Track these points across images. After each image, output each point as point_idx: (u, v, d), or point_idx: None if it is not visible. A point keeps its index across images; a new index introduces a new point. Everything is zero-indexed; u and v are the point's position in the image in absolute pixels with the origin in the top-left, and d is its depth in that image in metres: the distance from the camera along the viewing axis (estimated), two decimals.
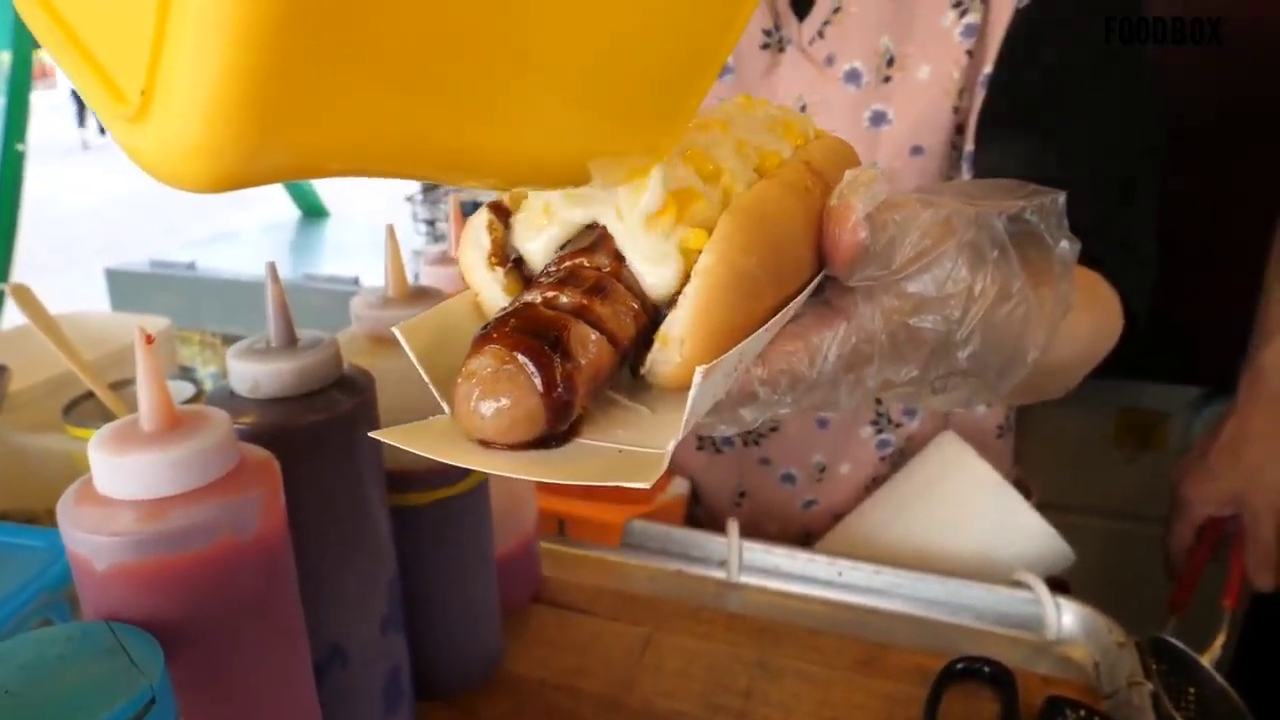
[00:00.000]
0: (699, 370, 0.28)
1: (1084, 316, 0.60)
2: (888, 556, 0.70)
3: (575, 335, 0.29)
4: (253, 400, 0.42)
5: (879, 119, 0.70)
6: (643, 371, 0.32)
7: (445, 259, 0.60)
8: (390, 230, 0.51)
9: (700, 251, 0.31)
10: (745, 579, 0.68)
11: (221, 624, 0.35)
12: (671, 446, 0.29)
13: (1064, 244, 0.40)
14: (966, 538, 0.73)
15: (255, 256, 2.13)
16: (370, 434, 0.30)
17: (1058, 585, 0.68)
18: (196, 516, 0.33)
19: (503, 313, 0.30)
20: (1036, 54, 0.66)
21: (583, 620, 0.63)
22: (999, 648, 0.61)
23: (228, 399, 0.42)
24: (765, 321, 0.32)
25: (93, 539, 0.33)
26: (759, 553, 0.68)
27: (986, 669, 0.56)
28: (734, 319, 0.31)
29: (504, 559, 0.61)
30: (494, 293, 0.34)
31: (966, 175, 0.71)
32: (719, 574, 0.68)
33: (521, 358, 0.28)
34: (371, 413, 0.45)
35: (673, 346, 0.30)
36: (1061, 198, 0.40)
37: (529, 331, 0.29)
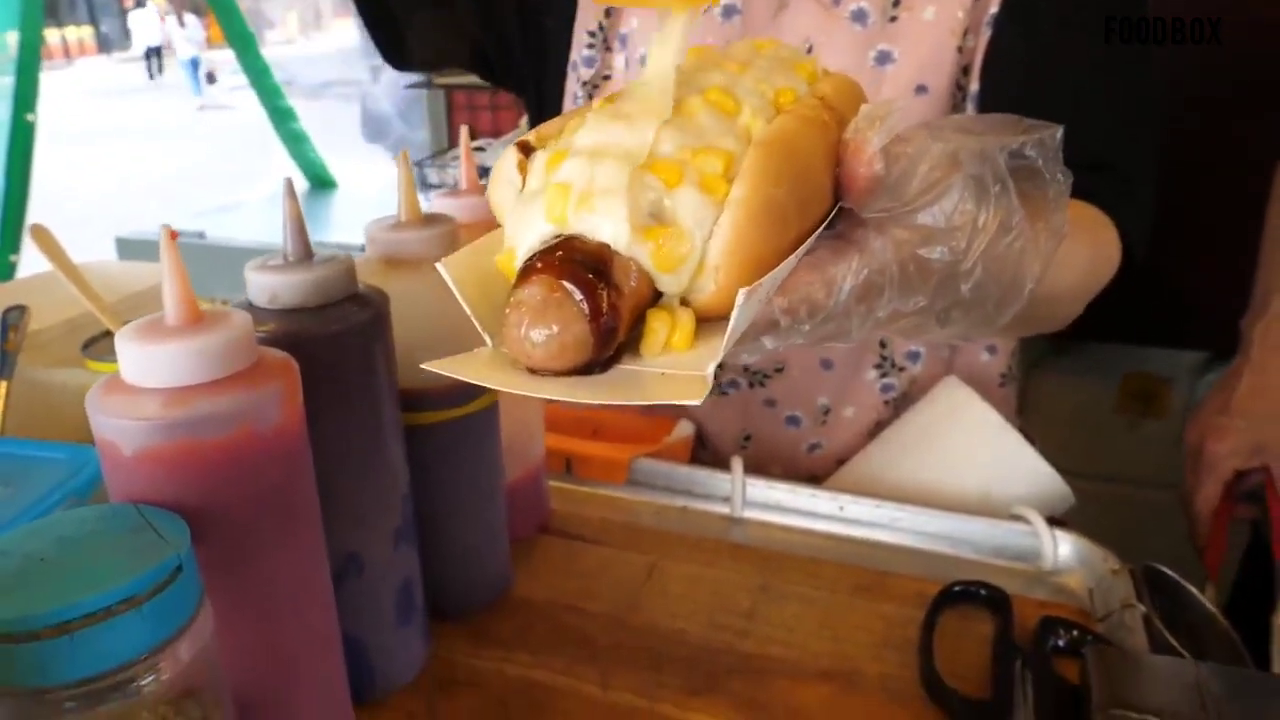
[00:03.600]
0: (742, 291, 0.30)
1: (1081, 248, 0.62)
2: (891, 497, 0.72)
3: (619, 265, 0.31)
4: (270, 310, 0.43)
5: (884, 59, 0.71)
6: (667, 306, 0.33)
7: (456, 192, 0.61)
8: (404, 157, 0.52)
9: (728, 188, 0.32)
10: (749, 514, 0.69)
11: (243, 511, 0.37)
12: (712, 368, 0.31)
13: (1059, 178, 0.42)
14: (968, 479, 0.75)
15: (263, 226, 2.14)
16: (422, 365, 0.32)
17: (1058, 524, 0.69)
18: (219, 405, 0.35)
19: (547, 244, 0.31)
20: None
21: (590, 549, 0.64)
22: (997, 577, 0.62)
23: (246, 308, 0.44)
24: (791, 251, 0.34)
25: (121, 424, 0.34)
26: (762, 488, 0.70)
27: (983, 592, 0.58)
28: (766, 246, 0.33)
29: (513, 487, 0.62)
30: None
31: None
32: (723, 509, 0.70)
33: (569, 285, 0.30)
34: (385, 329, 0.47)
35: (708, 274, 0.32)
36: (1059, 133, 0.42)
37: (575, 261, 0.30)
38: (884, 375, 0.81)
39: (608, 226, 0.31)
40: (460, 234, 0.53)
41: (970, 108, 0.71)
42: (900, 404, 0.83)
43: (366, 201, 2.44)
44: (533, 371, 0.31)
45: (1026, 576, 0.63)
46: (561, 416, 0.86)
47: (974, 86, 0.71)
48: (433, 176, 1.86)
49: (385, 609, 0.49)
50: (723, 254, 0.32)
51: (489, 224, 0.59)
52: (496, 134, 2.21)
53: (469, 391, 0.53)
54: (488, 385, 0.31)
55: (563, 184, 0.32)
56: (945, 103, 0.71)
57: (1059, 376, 1.49)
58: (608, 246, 0.31)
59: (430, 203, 0.62)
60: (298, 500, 0.39)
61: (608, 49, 0.90)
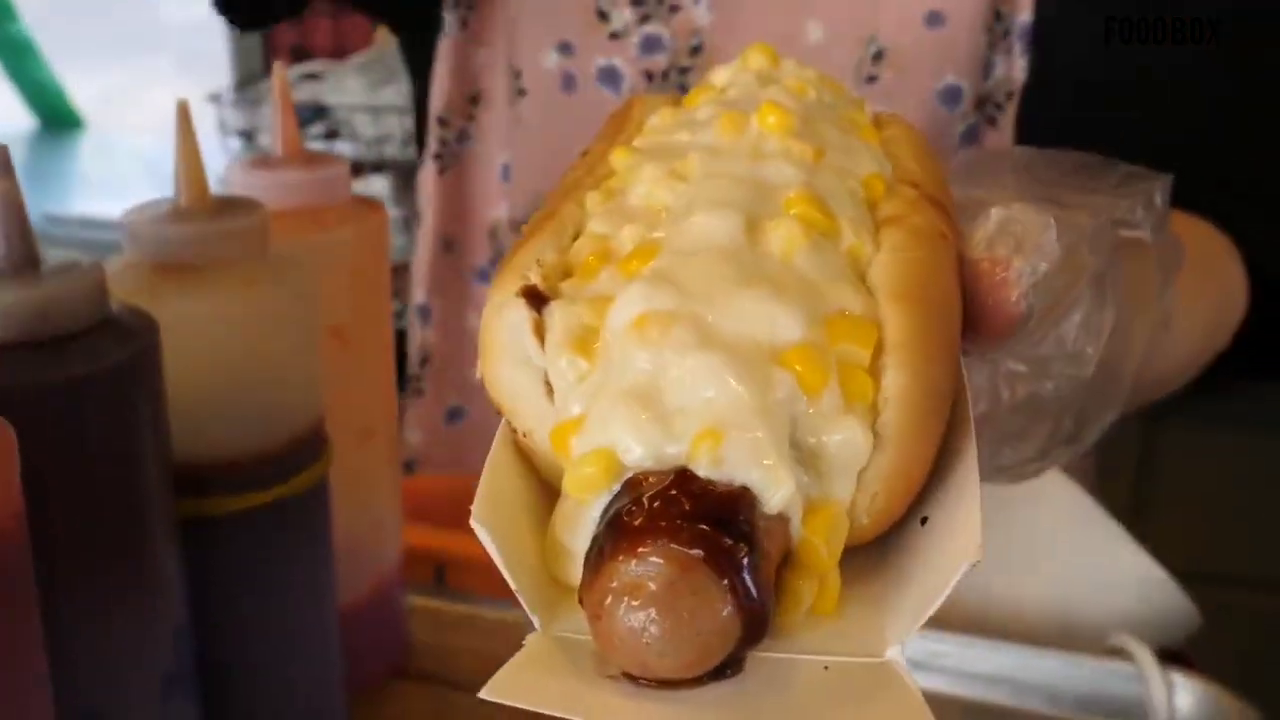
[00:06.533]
0: (966, 563, 0.31)
1: (1195, 305, 0.66)
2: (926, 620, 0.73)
3: (760, 519, 0.31)
4: None
5: None
6: None
7: (267, 160, 0.62)
8: (183, 110, 0.53)
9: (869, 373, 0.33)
10: None
11: None
12: (897, 654, 0.32)
13: (1168, 249, 0.46)
14: (1043, 589, 0.77)
15: None
16: (481, 694, 0.31)
17: (1174, 658, 0.72)
18: None
19: (649, 486, 0.31)
20: None
21: (469, 702, 0.64)
22: None
23: None
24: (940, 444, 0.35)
25: None
26: None
27: None
28: (930, 450, 0.34)
29: (352, 609, 0.63)
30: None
31: (1019, 57, 0.77)
32: None
33: (706, 558, 0.30)
34: (152, 371, 0.47)
35: (860, 504, 0.34)
36: (1168, 185, 0.46)
37: (704, 516, 0.30)
38: None
39: (757, 476, 0.31)
40: (270, 227, 0.54)
41: (1018, 46, 0.76)
42: None
43: (132, 151, 2.42)
44: (633, 678, 0.31)
45: None
46: (430, 494, 0.87)
47: (1022, 16, 0.75)
48: (238, 120, 1.85)
49: None
50: (884, 478, 0.33)
51: (314, 210, 0.60)
52: (340, 53, 2.21)
53: (281, 463, 0.54)
54: (580, 718, 0.30)
55: (601, 451, 0.32)
56: (972, 40, 0.76)
57: (1189, 434, 1.51)
58: (747, 491, 0.31)
59: (227, 173, 0.63)
60: (11, 639, 0.39)
61: None
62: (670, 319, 0.33)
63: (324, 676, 0.59)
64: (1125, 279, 0.43)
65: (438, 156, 0.95)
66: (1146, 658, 0.68)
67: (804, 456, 0.33)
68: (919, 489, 0.34)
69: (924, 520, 0.35)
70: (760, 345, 0.33)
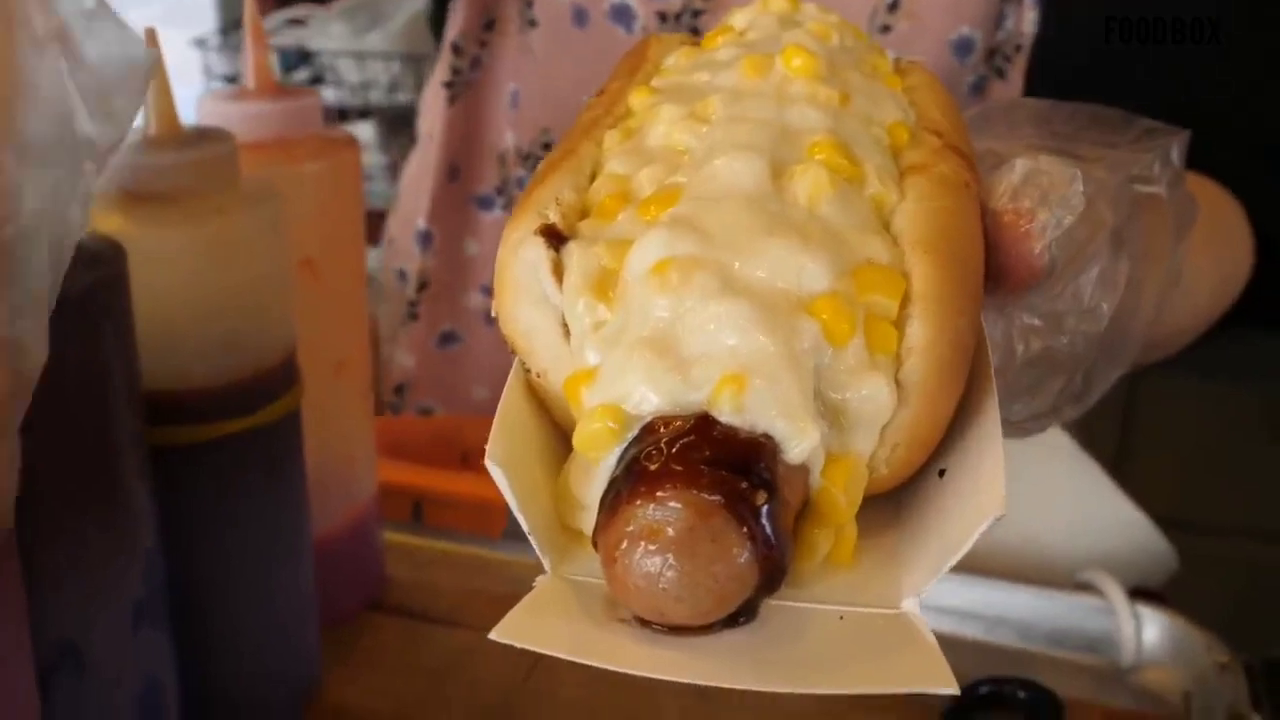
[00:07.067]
0: (989, 518, 0.31)
1: (1204, 263, 0.67)
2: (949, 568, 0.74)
3: (780, 461, 0.31)
4: None
5: None
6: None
7: (241, 92, 0.62)
8: (150, 36, 0.53)
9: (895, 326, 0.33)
10: None
11: None
12: (913, 605, 0.32)
13: (1183, 206, 0.47)
14: (1024, 529, 0.78)
15: None
16: (490, 635, 0.31)
17: (1147, 597, 0.73)
18: None
19: (668, 431, 0.31)
20: None
21: (443, 634, 0.66)
22: (1052, 674, 0.65)
23: None
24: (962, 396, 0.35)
25: None
26: None
27: (1021, 694, 0.60)
28: (953, 404, 0.34)
29: (327, 542, 0.64)
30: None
31: (1030, 9, 0.78)
32: None
33: (725, 504, 0.30)
34: (120, 298, 0.48)
35: (880, 454, 0.34)
36: (1185, 142, 0.46)
37: (725, 462, 0.30)
38: None
39: (781, 425, 0.31)
40: (240, 158, 0.54)
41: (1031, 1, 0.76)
42: None
43: None
44: (645, 623, 0.31)
45: (1094, 674, 0.67)
46: (410, 432, 0.87)
47: None
48: (223, 65, 1.84)
49: None
50: (907, 429, 0.33)
51: (284, 142, 0.61)
52: None
53: (253, 392, 0.55)
54: (598, 663, 0.30)
55: (609, 406, 0.32)
56: None
57: (1169, 385, 1.52)
58: (769, 439, 0.31)
59: (199, 105, 0.63)
60: None
61: None
62: (693, 265, 0.32)
63: (298, 608, 0.60)
64: (1140, 235, 0.44)
65: (448, 84, 0.95)
66: (1115, 592, 0.69)
67: (827, 409, 0.32)
68: (939, 441, 0.35)
69: (942, 472, 0.35)
70: (787, 294, 0.32)
